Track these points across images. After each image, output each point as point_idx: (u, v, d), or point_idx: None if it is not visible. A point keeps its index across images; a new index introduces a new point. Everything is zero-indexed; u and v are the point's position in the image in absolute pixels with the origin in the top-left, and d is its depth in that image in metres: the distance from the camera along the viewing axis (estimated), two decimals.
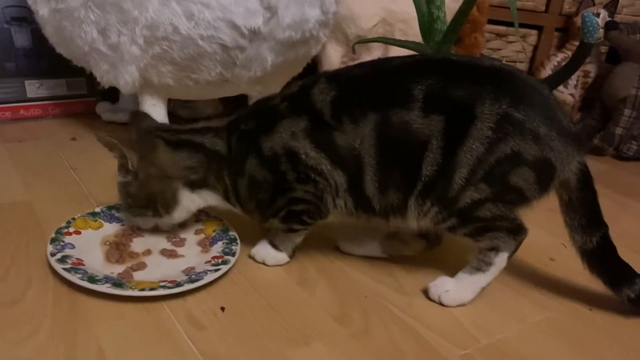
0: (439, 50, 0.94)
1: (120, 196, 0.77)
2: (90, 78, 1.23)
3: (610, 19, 1.57)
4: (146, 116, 0.83)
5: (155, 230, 0.81)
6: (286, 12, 1.00)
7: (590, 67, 1.61)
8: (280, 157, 0.70)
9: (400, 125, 0.66)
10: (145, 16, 0.92)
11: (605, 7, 1.60)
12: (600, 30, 1.54)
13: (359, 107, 0.68)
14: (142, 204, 0.75)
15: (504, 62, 1.64)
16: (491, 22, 1.55)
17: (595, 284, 0.72)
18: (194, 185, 0.75)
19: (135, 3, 0.92)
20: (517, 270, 0.81)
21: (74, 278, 0.65)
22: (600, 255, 0.70)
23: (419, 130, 0.66)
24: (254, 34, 0.99)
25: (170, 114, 1.19)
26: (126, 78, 1.01)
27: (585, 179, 0.70)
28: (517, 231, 0.70)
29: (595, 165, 1.47)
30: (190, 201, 0.76)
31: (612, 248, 0.71)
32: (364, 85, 0.70)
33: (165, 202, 0.75)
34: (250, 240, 0.79)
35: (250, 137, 0.73)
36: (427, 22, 0.93)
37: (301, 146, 0.69)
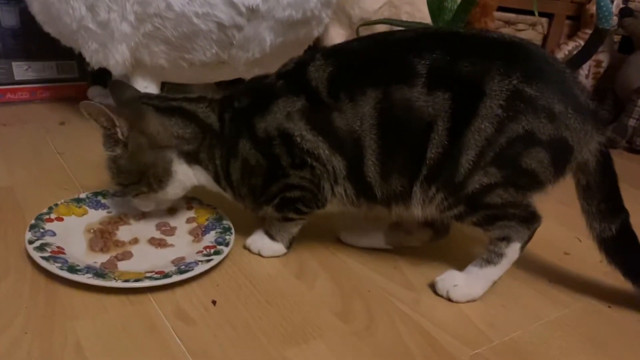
0: None
1: (111, 174, 0.71)
2: (82, 61, 1.18)
3: (624, 5, 1.52)
4: (127, 86, 0.78)
5: (145, 217, 0.77)
6: None
7: (602, 57, 1.56)
8: (274, 139, 0.66)
9: (402, 103, 0.61)
10: None
11: None
12: (614, 17, 1.48)
13: (358, 83, 0.63)
14: (135, 179, 0.69)
15: None
16: (500, 9, 1.50)
17: (612, 279, 0.68)
18: (189, 159, 0.70)
19: None
20: (530, 265, 0.76)
21: (53, 267, 0.60)
22: (620, 244, 0.66)
23: (423, 109, 0.61)
24: (252, 12, 0.94)
25: None
26: (116, 57, 0.96)
27: (605, 160, 0.65)
28: (530, 219, 0.65)
29: None
30: (185, 176, 0.71)
31: (633, 236, 0.66)
32: (363, 60, 0.65)
33: (158, 175, 0.69)
34: (245, 230, 0.75)
35: (244, 116, 0.68)
36: (436, 0, 0.88)
37: (296, 128, 0.64)
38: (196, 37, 0.94)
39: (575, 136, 0.61)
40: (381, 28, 1.23)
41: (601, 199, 0.66)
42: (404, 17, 1.22)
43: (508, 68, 0.60)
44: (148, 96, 0.74)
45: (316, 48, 1.26)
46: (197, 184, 0.73)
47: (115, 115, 0.67)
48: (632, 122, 1.44)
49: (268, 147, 0.66)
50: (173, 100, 0.72)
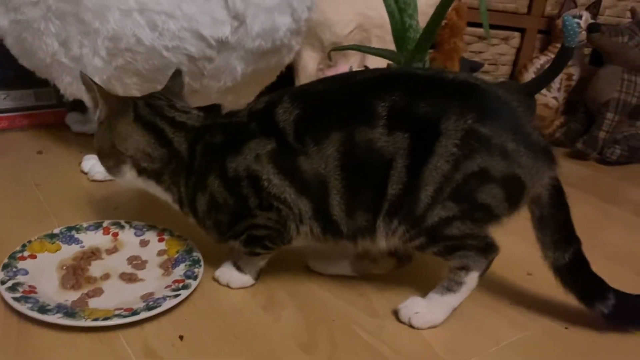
0: (412, 58, 0.92)
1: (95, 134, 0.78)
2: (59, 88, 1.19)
3: (592, 20, 1.55)
4: (181, 77, 0.83)
5: (117, 251, 0.79)
6: (255, 21, 0.97)
7: (573, 70, 1.59)
8: (243, 180, 0.68)
9: (365, 144, 0.64)
10: (106, 27, 0.89)
11: (587, 8, 1.58)
12: (583, 32, 1.52)
13: (322, 126, 0.65)
14: (103, 153, 0.76)
15: (486, 64, 1.62)
16: (473, 24, 1.53)
17: (572, 300, 0.70)
18: (142, 172, 0.74)
19: (96, 14, 0.88)
20: (493, 286, 0.79)
21: (23, 308, 0.62)
22: (573, 271, 0.69)
23: (384, 149, 0.63)
24: (222, 44, 0.96)
25: None
26: None
27: (557, 194, 0.68)
28: (488, 250, 0.68)
29: (578, 170, 1.45)
30: (133, 180, 0.76)
31: (585, 263, 0.69)
32: (327, 103, 0.67)
33: (109, 166, 0.76)
34: (215, 260, 0.76)
35: (216, 153, 0.70)
36: (400, 30, 0.91)
37: (264, 171, 0.66)
38: (167, 69, 0.95)
39: (528, 173, 0.64)
40: (353, 51, 1.26)
41: (554, 229, 0.68)
42: (374, 40, 1.25)
43: (463, 108, 0.62)
44: (145, 102, 0.76)
45: (290, 71, 1.29)
46: (144, 189, 0.77)
47: (102, 99, 0.73)
48: (602, 135, 1.48)
49: (236, 187, 0.68)
50: (161, 117, 0.74)
